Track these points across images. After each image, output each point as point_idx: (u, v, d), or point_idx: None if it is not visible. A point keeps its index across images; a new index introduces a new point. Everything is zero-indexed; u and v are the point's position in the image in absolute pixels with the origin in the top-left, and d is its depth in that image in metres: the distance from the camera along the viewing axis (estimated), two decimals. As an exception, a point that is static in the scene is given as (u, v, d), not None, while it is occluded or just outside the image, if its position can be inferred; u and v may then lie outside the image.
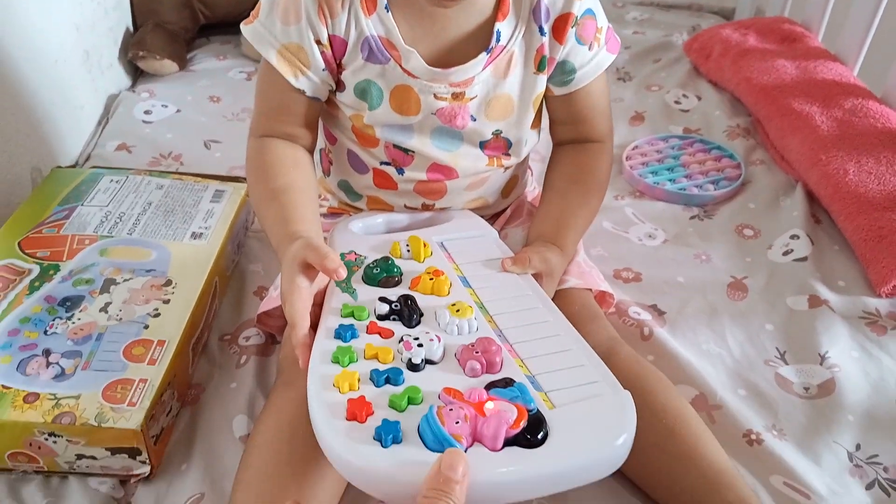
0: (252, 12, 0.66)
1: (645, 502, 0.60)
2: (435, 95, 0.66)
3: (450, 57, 0.65)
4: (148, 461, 0.61)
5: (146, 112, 1.13)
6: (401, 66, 0.64)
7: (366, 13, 0.63)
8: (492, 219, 0.79)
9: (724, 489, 0.56)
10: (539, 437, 0.46)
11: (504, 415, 0.46)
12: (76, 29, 1.07)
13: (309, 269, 0.57)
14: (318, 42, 0.64)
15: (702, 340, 0.76)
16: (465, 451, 0.45)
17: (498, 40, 0.65)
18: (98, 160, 1.02)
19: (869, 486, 0.63)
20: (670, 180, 0.99)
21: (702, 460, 0.57)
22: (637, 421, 0.50)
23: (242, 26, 0.66)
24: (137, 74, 1.26)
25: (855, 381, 0.71)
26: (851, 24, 1.12)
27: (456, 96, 0.66)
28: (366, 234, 0.71)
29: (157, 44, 1.21)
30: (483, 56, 0.65)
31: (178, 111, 1.14)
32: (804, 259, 0.85)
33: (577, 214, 0.73)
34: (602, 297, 0.76)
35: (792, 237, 0.88)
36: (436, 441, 0.45)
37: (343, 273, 0.55)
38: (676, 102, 1.19)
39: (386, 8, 0.63)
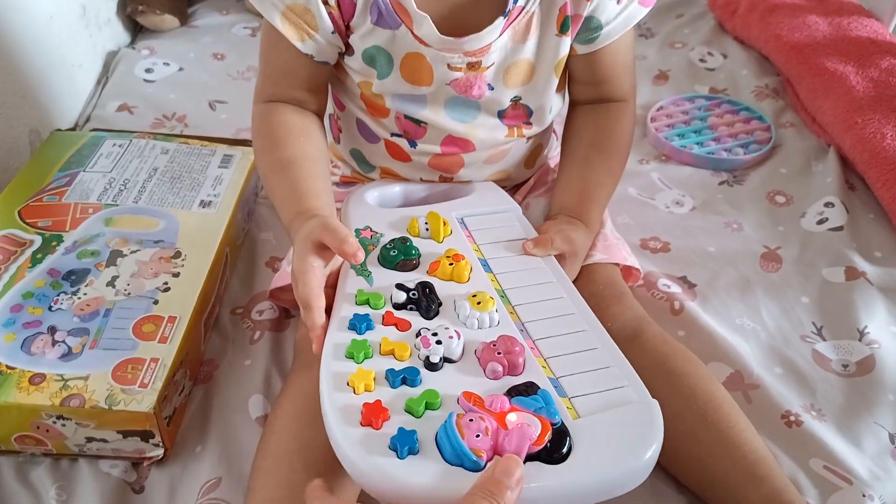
0: (255, -32, 0.61)
1: (678, 490, 0.58)
2: (449, 65, 0.61)
3: (464, 22, 0.59)
4: (161, 444, 0.58)
5: (147, 70, 1.08)
6: (412, 31, 0.59)
7: None
8: (514, 189, 0.75)
9: (759, 480, 0.53)
10: (563, 452, 0.44)
11: (527, 430, 0.43)
12: (71, -18, 1.02)
13: (324, 250, 0.54)
14: (325, 2, 0.59)
15: (735, 315, 0.73)
16: (485, 467, 0.42)
17: (515, 1, 0.59)
18: (98, 122, 0.98)
19: (912, 470, 0.60)
20: (698, 143, 0.95)
21: (736, 449, 0.54)
22: (666, 408, 0.47)
23: (245, -18, 0.61)
24: (137, 30, 1.20)
25: (895, 358, 0.68)
26: (888, -24, 1.06)
27: (472, 66, 0.61)
28: (382, 206, 0.67)
29: (157, -3, 1.15)
30: (500, 21, 0.59)
31: (180, 69, 1.09)
32: (840, 228, 0.81)
33: (601, 184, 0.69)
34: (628, 272, 0.72)
35: (826, 205, 0.84)
36: (454, 454, 0.42)
37: (361, 257, 0.52)
38: (701, 61, 1.14)
39: None
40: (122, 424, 0.56)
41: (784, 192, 0.88)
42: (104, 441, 0.57)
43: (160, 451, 0.58)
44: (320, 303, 0.52)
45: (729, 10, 1.21)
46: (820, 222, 0.83)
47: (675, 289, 0.75)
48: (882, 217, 0.84)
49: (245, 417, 0.63)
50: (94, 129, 0.91)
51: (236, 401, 0.64)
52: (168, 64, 1.10)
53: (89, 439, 0.57)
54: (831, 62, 1.00)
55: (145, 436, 0.57)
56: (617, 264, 0.71)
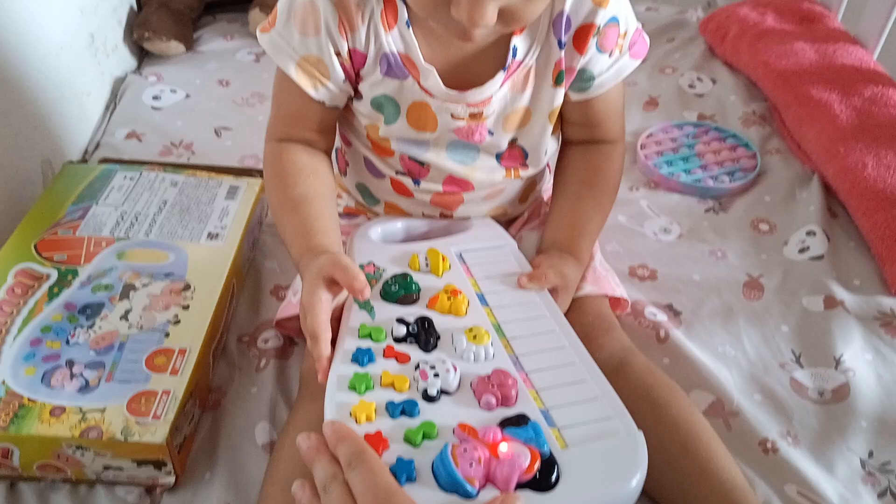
0: (268, 19, 0.64)
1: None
2: (452, 115, 0.65)
3: (467, 75, 0.63)
4: (173, 471, 0.62)
5: (155, 98, 1.11)
6: (419, 83, 0.63)
7: (386, 28, 0.61)
8: (509, 222, 0.79)
9: None
10: (551, 481, 0.47)
11: (517, 459, 0.47)
12: (80, 12, 1.05)
13: (333, 285, 0.57)
14: (338, 54, 0.62)
15: (717, 343, 0.76)
16: (477, 494, 0.45)
17: (514, 56, 0.63)
18: (108, 149, 1.01)
19: (881, 495, 0.64)
20: (685, 171, 0.98)
21: (713, 477, 0.58)
22: (649, 437, 0.50)
23: (259, 34, 0.65)
24: (143, 55, 1.24)
25: (868, 385, 0.72)
26: (873, 4, 1.10)
27: (473, 116, 0.65)
28: (385, 241, 0.71)
29: (163, 24, 1.19)
30: (500, 75, 0.63)
31: (187, 96, 1.13)
32: (820, 258, 0.85)
33: (591, 220, 0.72)
34: (617, 301, 0.76)
35: (808, 233, 0.88)
36: (449, 482, 0.46)
37: (368, 294, 0.55)
38: (691, 86, 1.17)
39: (407, 24, 0.61)
40: (137, 454, 0.60)
41: (768, 219, 0.92)
42: (120, 469, 0.61)
43: (172, 479, 0.62)
44: (327, 335, 0.55)
45: (719, 35, 1.24)
46: (802, 251, 0.87)
47: (661, 317, 0.78)
48: (862, 245, 0.87)
49: (252, 444, 0.66)
50: (105, 159, 0.94)
51: (243, 428, 0.68)
52: (175, 91, 1.13)
53: (106, 467, 0.61)
54: (816, 90, 1.03)
55: (158, 464, 0.61)
56: (606, 295, 0.74)
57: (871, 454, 0.66)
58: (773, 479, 0.64)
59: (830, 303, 0.80)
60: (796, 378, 0.73)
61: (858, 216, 0.88)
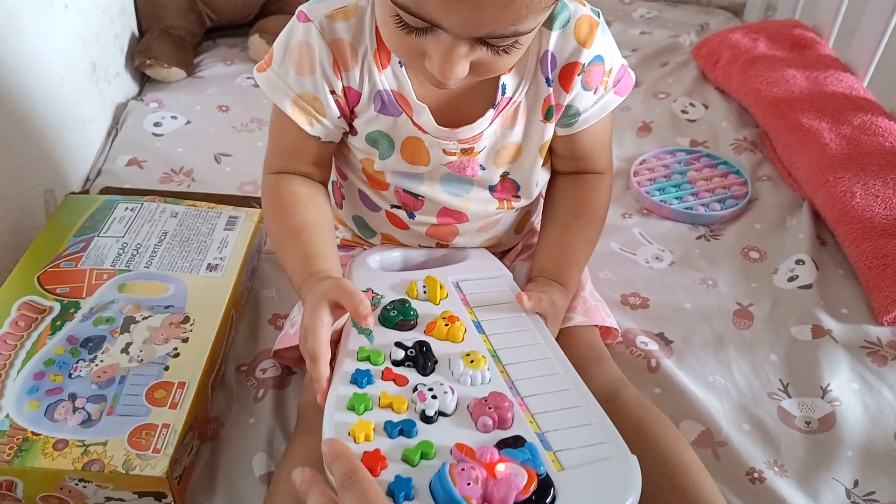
0: (264, 59, 0.66)
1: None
2: (444, 151, 0.67)
3: (458, 112, 0.65)
4: (173, 502, 0.63)
5: (156, 124, 1.13)
6: (412, 119, 0.65)
7: (379, 67, 0.63)
8: (503, 254, 0.80)
9: None
10: (547, 502, 0.48)
11: (514, 479, 0.48)
12: (82, 41, 1.07)
13: (336, 309, 0.59)
14: (333, 92, 0.64)
15: (708, 372, 0.78)
16: None
17: (503, 93, 0.65)
18: (109, 176, 1.03)
19: (866, 525, 0.65)
20: (677, 198, 1.00)
21: None
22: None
23: (255, 73, 0.67)
24: (144, 80, 1.26)
25: (854, 415, 0.73)
26: (863, 31, 1.11)
27: (465, 151, 0.67)
28: (383, 270, 0.72)
29: (165, 51, 1.21)
30: (490, 112, 0.65)
31: (187, 122, 1.15)
32: (809, 286, 0.87)
33: (578, 249, 0.74)
34: (608, 330, 0.77)
35: (797, 262, 0.90)
36: (447, 501, 0.47)
37: (371, 321, 0.57)
38: (683, 112, 1.19)
39: (400, 63, 0.63)
40: (138, 486, 0.61)
41: (758, 247, 0.93)
42: (121, 500, 0.63)
43: (171, 510, 0.64)
44: (327, 356, 0.57)
45: (711, 61, 1.26)
46: (791, 279, 0.88)
47: (653, 346, 0.80)
48: (850, 273, 0.89)
49: (249, 475, 0.68)
50: (107, 188, 0.96)
51: (241, 459, 0.69)
52: (175, 117, 1.15)
53: (108, 499, 0.62)
54: (807, 118, 1.05)
55: (158, 496, 0.62)
56: (597, 325, 0.76)
57: (856, 483, 0.68)
58: (760, 509, 0.65)
59: (818, 332, 0.81)
60: (784, 407, 0.74)
61: (846, 245, 0.90)
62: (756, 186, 1.03)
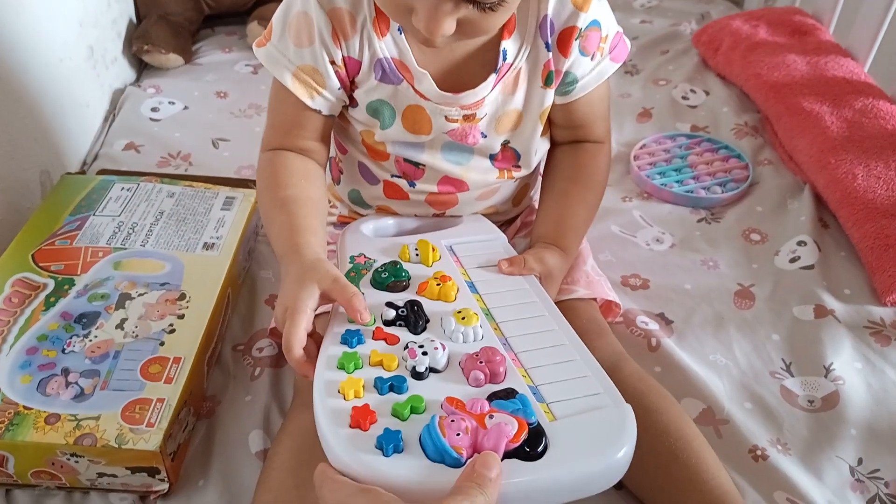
0: (264, 33, 0.66)
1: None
2: (446, 117, 0.66)
3: (459, 78, 0.65)
4: (166, 478, 0.62)
5: (153, 109, 1.13)
6: (413, 87, 0.65)
7: (379, 35, 0.63)
8: (502, 226, 0.79)
9: None
10: (538, 450, 0.47)
11: (504, 428, 0.47)
12: (80, 25, 1.07)
13: (325, 299, 0.58)
14: (333, 63, 0.64)
15: (708, 351, 0.77)
16: (465, 463, 0.46)
17: (504, 58, 0.65)
18: (106, 160, 1.02)
19: (870, 502, 0.64)
20: (678, 182, 0.99)
21: (703, 484, 0.58)
22: (640, 442, 0.50)
23: (255, 48, 0.66)
24: (142, 67, 1.25)
25: (858, 393, 0.72)
26: (863, 17, 1.11)
27: (467, 118, 0.66)
28: (376, 237, 0.72)
29: (162, 37, 1.20)
30: (492, 77, 0.65)
31: (185, 108, 1.14)
32: (811, 267, 0.86)
33: (577, 214, 0.73)
34: (608, 307, 0.77)
35: (799, 243, 0.89)
36: (436, 452, 0.46)
37: (367, 318, 0.56)
38: (684, 98, 1.18)
39: (399, 30, 0.63)
40: (131, 461, 0.60)
41: (759, 229, 0.93)
42: (114, 476, 0.62)
43: (165, 486, 0.62)
44: (299, 350, 0.55)
45: (712, 47, 1.26)
46: (792, 260, 0.87)
47: (653, 325, 0.79)
48: (853, 255, 0.88)
49: (245, 452, 0.67)
50: (103, 171, 0.95)
51: (237, 436, 0.68)
52: (173, 103, 1.15)
53: (100, 474, 0.61)
54: (808, 102, 1.04)
55: (152, 471, 0.61)
56: (598, 300, 0.75)
57: (860, 461, 0.67)
58: (762, 486, 0.64)
59: (821, 312, 0.80)
60: (787, 386, 0.73)
61: (848, 226, 0.89)
62: (757, 170, 1.02)
